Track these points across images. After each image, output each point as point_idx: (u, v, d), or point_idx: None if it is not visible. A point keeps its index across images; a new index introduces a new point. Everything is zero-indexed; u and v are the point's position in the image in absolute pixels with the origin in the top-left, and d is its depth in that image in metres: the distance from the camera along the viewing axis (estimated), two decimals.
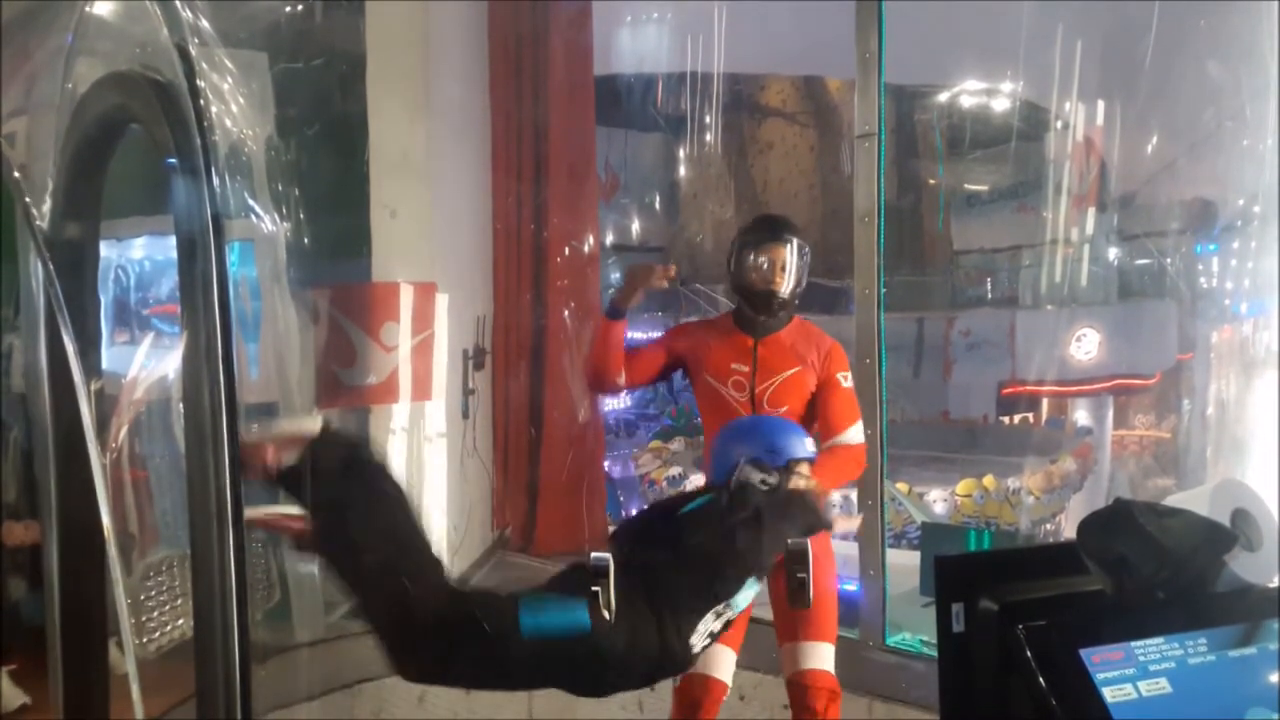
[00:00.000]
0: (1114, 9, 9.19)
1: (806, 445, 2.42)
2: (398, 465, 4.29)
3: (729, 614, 2.19)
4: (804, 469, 2.37)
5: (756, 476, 2.23)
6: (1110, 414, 12.36)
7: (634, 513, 2.81)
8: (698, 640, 2.10)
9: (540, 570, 4.79)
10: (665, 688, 3.69)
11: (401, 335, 4.21)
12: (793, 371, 2.81)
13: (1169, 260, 11.23)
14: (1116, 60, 9.66)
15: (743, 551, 2.10)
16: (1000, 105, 13.48)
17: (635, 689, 2.51)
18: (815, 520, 2.29)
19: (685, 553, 2.05)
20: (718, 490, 2.24)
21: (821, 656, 2.72)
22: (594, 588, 1.89)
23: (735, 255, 2.87)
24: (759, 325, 2.85)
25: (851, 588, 3.53)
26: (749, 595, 2.26)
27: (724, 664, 2.77)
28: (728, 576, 2.11)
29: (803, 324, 2.90)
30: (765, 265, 2.79)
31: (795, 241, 2.82)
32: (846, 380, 2.86)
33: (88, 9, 1.99)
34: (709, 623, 2.12)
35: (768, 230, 2.86)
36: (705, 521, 2.11)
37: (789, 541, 2.14)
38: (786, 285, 2.80)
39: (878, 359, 3.29)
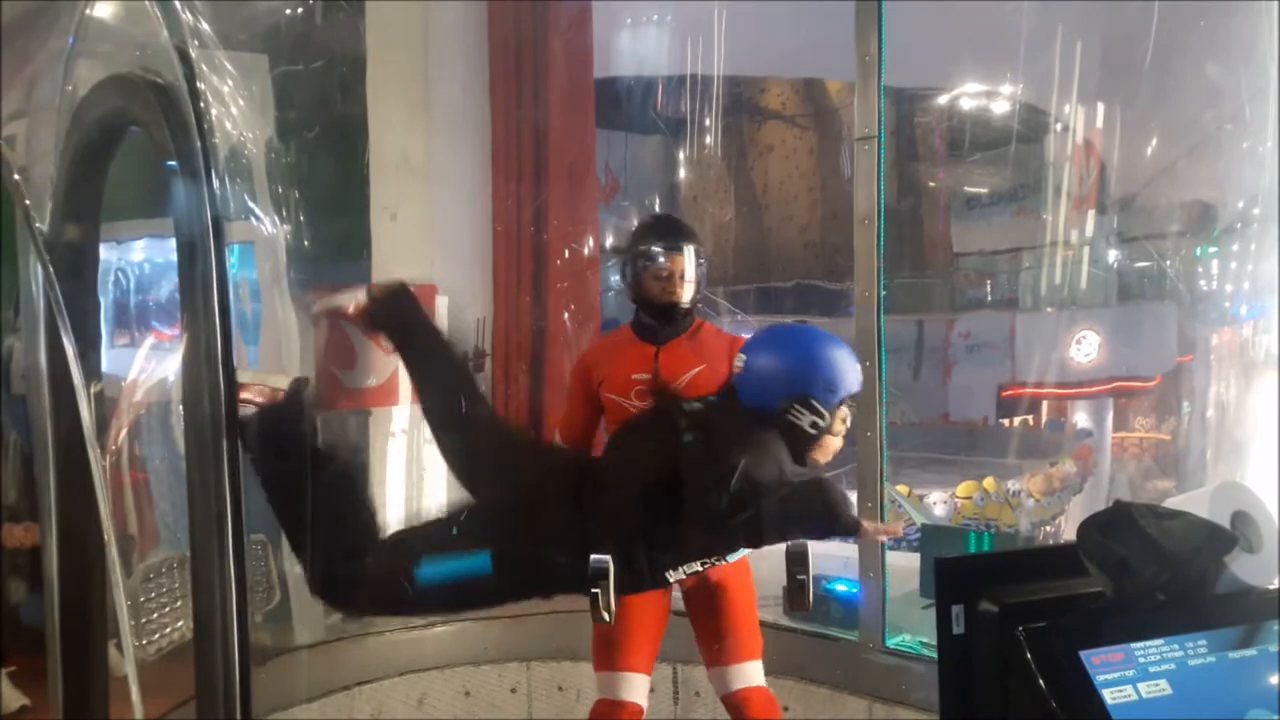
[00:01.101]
0: (1113, 11, 9.20)
1: (859, 375, 2.18)
2: (397, 468, 4.29)
3: (718, 560, 2.17)
4: (846, 410, 2.14)
5: (808, 420, 2.02)
6: (1110, 416, 12.36)
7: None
8: (674, 574, 2.09)
9: None
10: (664, 689, 3.70)
11: None
12: (695, 372, 2.70)
13: (1169, 262, 11.23)
14: (1116, 62, 9.66)
15: (757, 524, 1.98)
16: (1000, 107, 13.48)
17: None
18: (846, 524, 2.06)
19: (692, 494, 1.94)
20: (750, 420, 2.05)
21: (751, 676, 2.71)
22: (593, 589, 1.89)
23: (631, 264, 2.77)
24: (660, 333, 2.75)
25: (844, 588, 3.53)
26: (740, 554, 2.21)
27: (636, 688, 2.70)
28: (732, 537, 2.05)
29: (703, 326, 2.82)
30: (666, 275, 2.69)
31: (694, 248, 2.72)
32: None
33: (88, 11, 1.99)
34: (692, 566, 2.11)
35: (666, 238, 2.74)
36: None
37: (788, 543, 2.13)
38: (688, 294, 2.71)
39: (878, 361, 3.29)
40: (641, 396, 2.71)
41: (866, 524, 2.11)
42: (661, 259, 2.70)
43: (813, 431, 2.03)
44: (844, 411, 2.12)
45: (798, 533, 2.25)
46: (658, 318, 2.76)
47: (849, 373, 2.12)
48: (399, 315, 2.33)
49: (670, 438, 2.06)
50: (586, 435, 2.86)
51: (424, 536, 2.13)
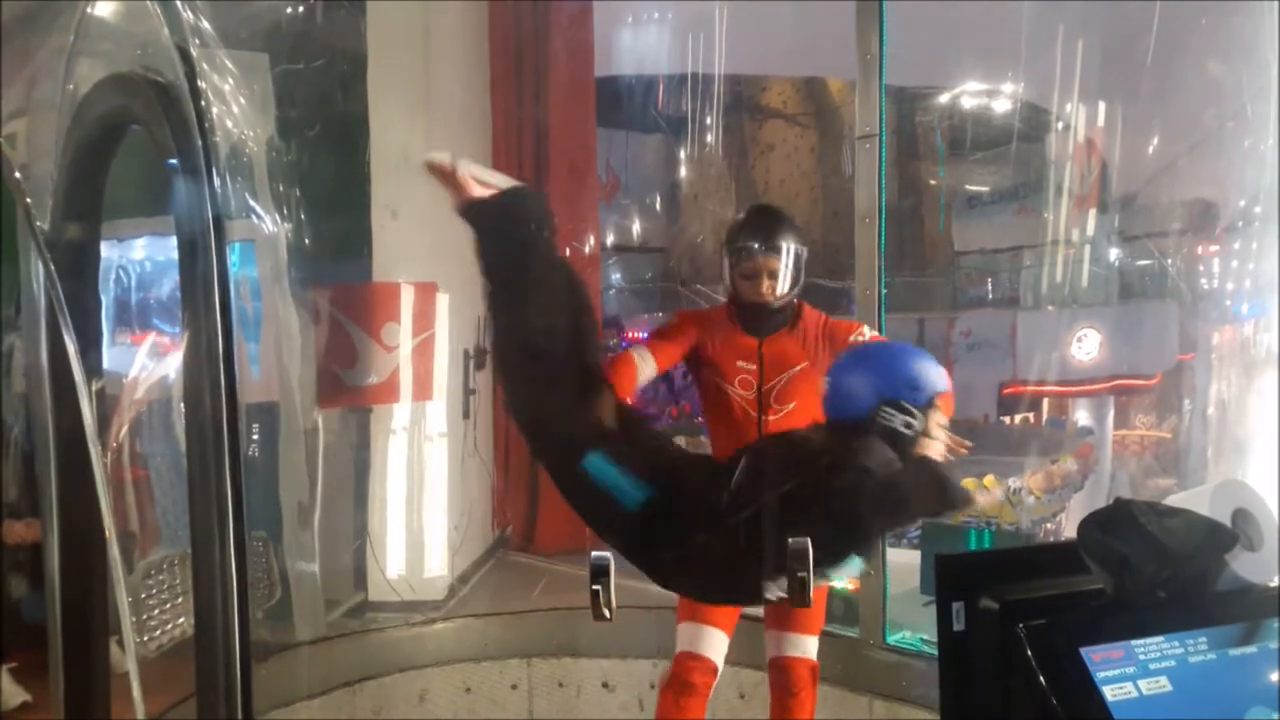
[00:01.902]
0: (1114, 9, 9.20)
1: (944, 375, 2.17)
2: (398, 465, 4.30)
3: (819, 582, 2.16)
4: (941, 408, 2.13)
5: (900, 420, 2.02)
6: (1111, 414, 12.35)
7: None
8: (771, 592, 2.07)
9: (540, 569, 4.80)
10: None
11: (402, 335, 4.22)
12: (800, 368, 2.70)
13: (1170, 261, 11.22)
14: (1117, 61, 9.66)
15: (865, 521, 1.97)
16: (1001, 106, 13.48)
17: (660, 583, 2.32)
18: (955, 496, 2.09)
19: (799, 506, 1.91)
20: (846, 434, 2.03)
21: (806, 648, 2.76)
22: (594, 586, 1.89)
23: (725, 259, 2.74)
24: (761, 327, 2.72)
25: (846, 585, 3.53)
26: (851, 571, 2.19)
27: (715, 644, 2.72)
28: (837, 550, 2.00)
29: (803, 312, 2.77)
30: (753, 274, 2.65)
31: (787, 247, 2.65)
32: (863, 335, 2.73)
33: (89, 10, 1.99)
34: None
35: (757, 238, 2.67)
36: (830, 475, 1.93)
37: (789, 540, 2.12)
38: (780, 290, 2.66)
39: None
40: (746, 386, 2.71)
41: (976, 495, 2.14)
42: (751, 257, 2.65)
43: (908, 432, 2.04)
44: (938, 415, 2.12)
45: (911, 516, 2.35)
46: (750, 314, 2.72)
47: (929, 371, 2.12)
48: (522, 220, 2.27)
49: (787, 466, 2.05)
50: (641, 377, 2.68)
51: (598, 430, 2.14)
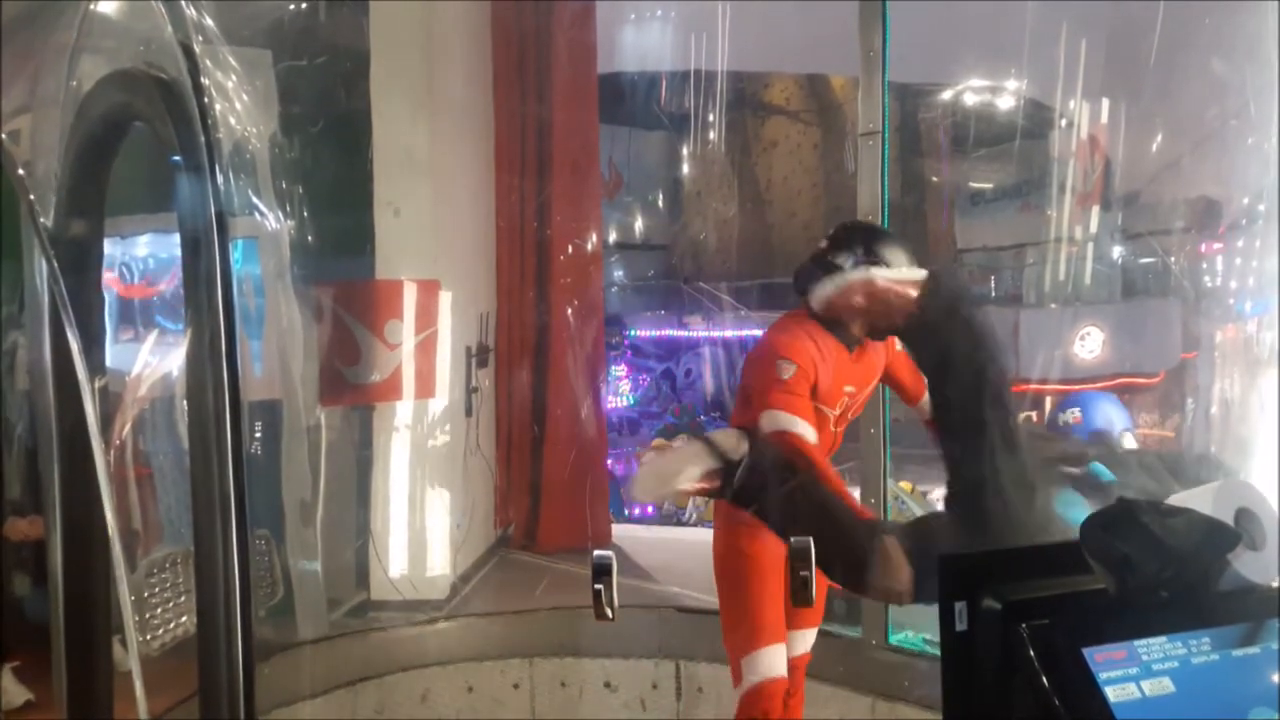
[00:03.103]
0: (1118, 7, 9.18)
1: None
2: (400, 463, 4.30)
3: None
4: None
5: None
6: None
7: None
8: None
9: (542, 568, 4.81)
10: (667, 685, 3.70)
11: (405, 332, 4.22)
12: (874, 385, 2.74)
13: (1173, 259, 11.20)
14: (1120, 58, 9.65)
15: None
16: (1004, 103, 13.44)
17: None
18: None
19: None
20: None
21: (809, 641, 2.83)
22: (596, 585, 1.89)
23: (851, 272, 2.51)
24: (859, 337, 2.65)
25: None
26: None
27: (781, 659, 2.68)
28: None
29: None
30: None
31: None
32: (898, 344, 2.75)
33: (92, 6, 1.99)
34: None
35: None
36: None
37: (791, 539, 2.12)
38: None
39: None
40: (841, 405, 2.65)
41: None
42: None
43: None
44: None
45: None
46: (875, 334, 2.65)
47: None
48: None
49: None
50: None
51: None
